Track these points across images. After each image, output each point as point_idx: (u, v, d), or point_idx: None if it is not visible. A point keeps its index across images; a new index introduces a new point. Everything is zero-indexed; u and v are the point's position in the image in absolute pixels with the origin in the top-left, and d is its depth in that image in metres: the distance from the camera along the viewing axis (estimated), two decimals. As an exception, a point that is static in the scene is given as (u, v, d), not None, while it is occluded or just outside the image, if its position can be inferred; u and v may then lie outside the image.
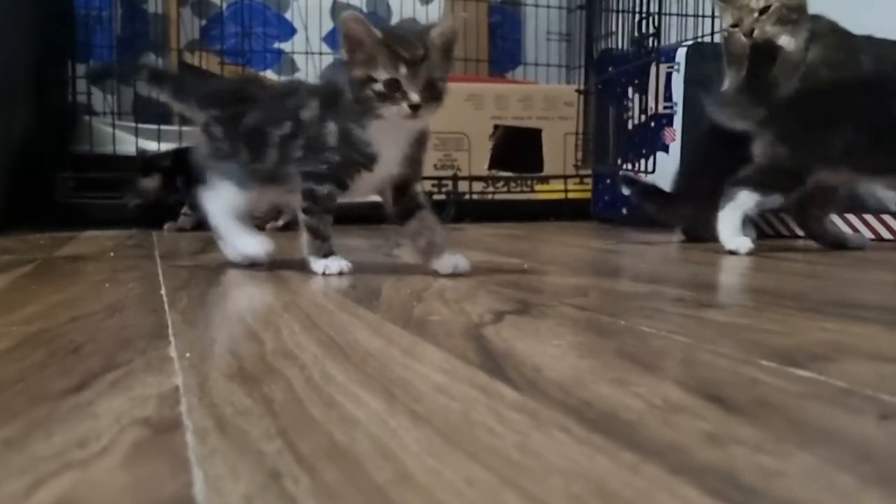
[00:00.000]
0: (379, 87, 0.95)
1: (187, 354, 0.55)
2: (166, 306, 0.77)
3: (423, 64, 0.94)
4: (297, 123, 1.02)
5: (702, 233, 1.59)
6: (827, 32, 1.68)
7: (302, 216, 1.02)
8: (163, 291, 0.87)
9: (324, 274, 0.99)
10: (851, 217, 1.67)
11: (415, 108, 0.94)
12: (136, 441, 0.37)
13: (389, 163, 1.00)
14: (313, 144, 1.01)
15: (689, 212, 1.59)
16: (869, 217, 1.65)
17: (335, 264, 1.01)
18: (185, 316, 0.71)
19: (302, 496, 0.30)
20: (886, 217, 1.62)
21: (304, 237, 1.03)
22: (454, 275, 0.98)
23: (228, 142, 1.07)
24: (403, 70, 0.94)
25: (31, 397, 0.44)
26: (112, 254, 1.37)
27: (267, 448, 0.36)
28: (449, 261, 1.00)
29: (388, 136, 0.99)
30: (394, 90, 0.94)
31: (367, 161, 1.00)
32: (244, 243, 1.06)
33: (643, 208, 1.69)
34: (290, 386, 0.46)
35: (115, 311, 0.75)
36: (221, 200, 1.06)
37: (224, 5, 2.85)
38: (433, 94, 0.95)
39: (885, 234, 1.60)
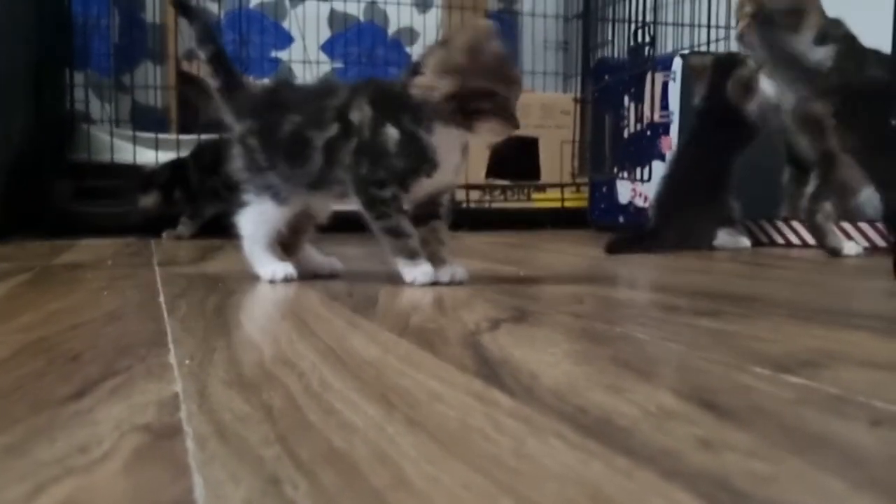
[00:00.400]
0: (500, 100, 0.95)
1: (187, 361, 0.55)
2: (165, 314, 0.77)
3: (518, 86, 0.98)
4: (345, 125, 0.99)
5: (696, 244, 1.60)
6: (841, 38, 1.68)
7: (375, 224, 1.00)
8: (161, 299, 0.87)
9: (413, 284, 0.98)
10: (846, 225, 1.68)
11: (516, 127, 0.97)
12: (137, 447, 0.37)
13: (448, 171, 1.00)
14: (369, 150, 0.98)
15: (682, 225, 1.60)
16: (864, 225, 1.66)
17: (423, 272, 0.98)
18: (184, 323, 0.72)
19: (301, 501, 0.31)
20: (880, 225, 1.62)
21: (387, 243, 1.00)
22: (452, 283, 0.99)
23: (265, 153, 1.03)
24: (514, 90, 0.97)
25: (31, 404, 0.45)
26: (110, 262, 1.37)
27: (266, 454, 0.36)
28: (447, 270, 1.00)
29: (449, 144, 0.98)
30: (503, 108, 0.96)
31: (430, 168, 0.98)
32: (266, 271, 1.04)
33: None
34: (289, 393, 0.47)
35: (114, 318, 0.76)
36: (255, 221, 1.04)
37: (221, 14, 2.86)
38: None
39: (880, 242, 1.61)
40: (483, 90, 0.94)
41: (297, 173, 1.02)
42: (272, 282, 1.02)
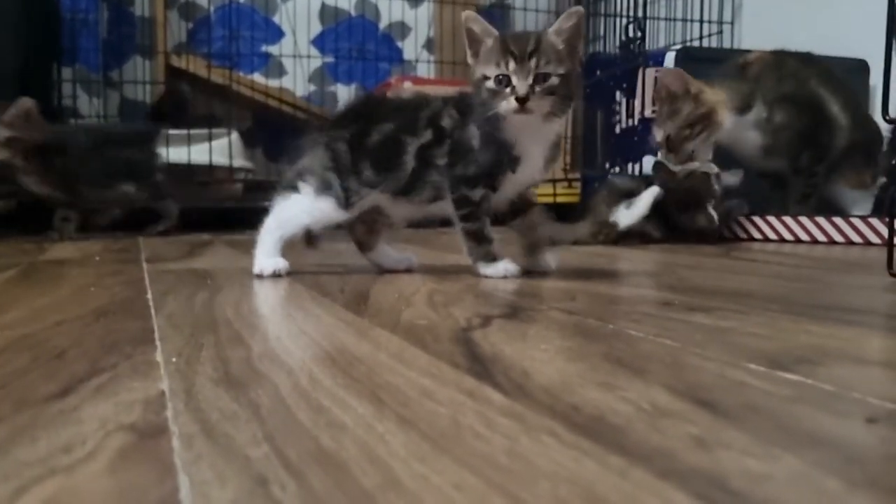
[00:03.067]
0: (491, 83, 0.97)
1: (174, 359, 0.54)
2: (152, 311, 0.76)
3: (532, 58, 0.95)
4: (438, 131, 1.02)
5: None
6: (778, 95, 1.78)
7: (461, 224, 1.03)
8: (149, 296, 0.87)
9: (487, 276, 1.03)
10: (838, 220, 1.69)
11: (521, 100, 0.95)
12: (122, 446, 0.36)
13: (533, 166, 1.02)
14: (458, 149, 1.01)
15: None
16: (856, 220, 1.66)
17: (502, 268, 1.03)
18: (171, 320, 0.71)
19: (289, 502, 0.30)
20: (873, 221, 1.63)
21: (467, 244, 1.04)
22: (541, 272, 1.06)
23: (351, 156, 1.04)
24: (512, 65, 0.96)
25: (15, 402, 0.44)
26: (98, 258, 1.36)
27: (253, 453, 0.35)
28: (545, 259, 1.06)
29: (530, 138, 1.00)
30: (504, 85, 0.96)
31: (512, 162, 1.00)
32: (261, 262, 1.04)
33: None
34: (277, 391, 0.46)
35: (100, 315, 0.75)
36: (295, 213, 1.04)
37: (211, 8, 2.85)
38: (546, 88, 0.96)
39: (874, 239, 1.61)
40: (478, 77, 1.00)
41: (388, 178, 1.04)
42: (259, 276, 1.02)
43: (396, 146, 1.03)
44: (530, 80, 0.95)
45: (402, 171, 1.03)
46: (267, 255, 1.04)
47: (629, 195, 1.71)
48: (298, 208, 1.04)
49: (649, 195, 1.68)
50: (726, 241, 1.73)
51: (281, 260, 1.04)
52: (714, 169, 1.70)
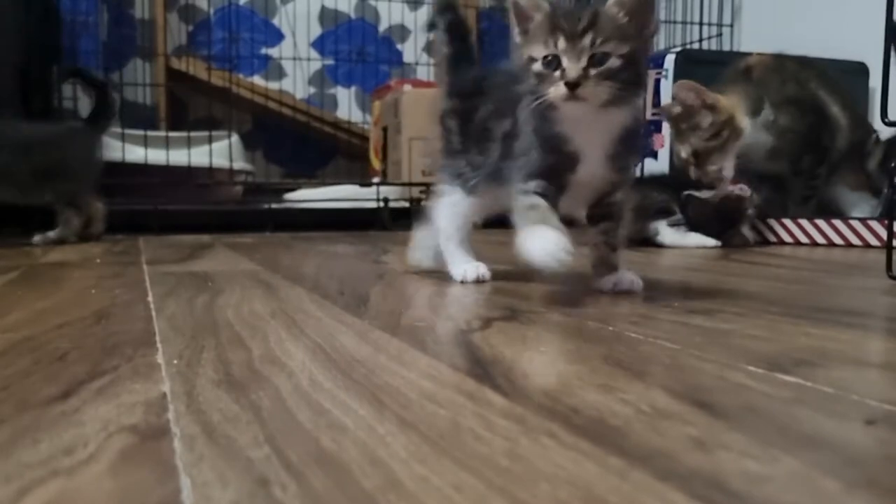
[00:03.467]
0: (538, 66, 0.82)
1: (175, 361, 0.55)
2: (153, 313, 0.76)
3: (586, 35, 0.79)
4: (515, 119, 0.90)
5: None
6: (782, 100, 1.79)
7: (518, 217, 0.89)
8: (150, 298, 0.87)
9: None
10: (838, 223, 1.69)
11: (571, 85, 0.79)
12: (123, 448, 0.36)
13: (592, 164, 0.86)
14: (523, 142, 0.89)
15: None
16: (855, 223, 1.66)
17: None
18: (172, 322, 0.71)
19: (290, 503, 0.30)
20: (872, 223, 1.63)
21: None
22: (617, 292, 0.90)
23: (461, 136, 0.99)
24: (562, 43, 0.80)
25: (16, 404, 0.44)
26: (98, 260, 1.36)
27: (255, 455, 0.35)
28: (611, 279, 0.91)
29: (584, 130, 0.85)
30: (553, 68, 0.81)
31: (570, 162, 0.86)
32: (458, 270, 0.99)
33: None
34: (278, 393, 0.46)
35: (101, 317, 0.75)
36: (448, 214, 1.00)
37: (211, 11, 2.85)
38: (603, 71, 0.80)
39: (873, 241, 1.61)
40: (524, 59, 0.86)
41: (482, 163, 0.96)
42: (463, 282, 0.99)
43: (487, 129, 0.95)
44: (584, 62, 0.79)
45: (491, 157, 0.95)
46: (461, 261, 1.00)
47: (665, 211, 1.67)
48: (445, 210, 1.00)
49: (702, 240, 1.65)
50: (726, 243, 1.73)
51: (480, 264, 0.99)
52: (747, 192, 1.68)
